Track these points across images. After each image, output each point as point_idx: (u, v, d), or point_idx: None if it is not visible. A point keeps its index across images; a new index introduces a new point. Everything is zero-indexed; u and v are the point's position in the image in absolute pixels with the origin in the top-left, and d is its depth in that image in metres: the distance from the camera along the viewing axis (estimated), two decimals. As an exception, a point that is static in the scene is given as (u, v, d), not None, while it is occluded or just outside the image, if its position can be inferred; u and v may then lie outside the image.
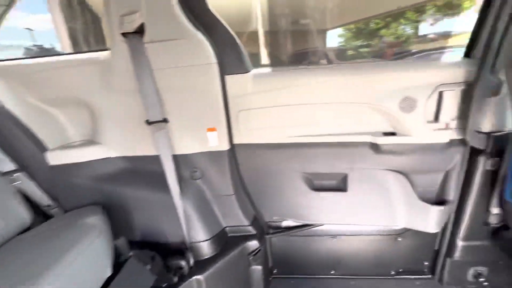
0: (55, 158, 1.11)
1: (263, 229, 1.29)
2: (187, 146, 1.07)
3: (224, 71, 0.99)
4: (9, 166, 1.11)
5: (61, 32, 3.64)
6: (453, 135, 1.03)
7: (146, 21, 0.88)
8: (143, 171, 1.11)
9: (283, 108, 1.04)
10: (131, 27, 0.88)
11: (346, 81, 1.00)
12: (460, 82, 0.98)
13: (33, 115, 1.08)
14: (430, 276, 1.28)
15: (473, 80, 0.96)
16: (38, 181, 1.15)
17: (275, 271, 1.41)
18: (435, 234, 1.20)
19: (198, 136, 1.04)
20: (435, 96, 1.00)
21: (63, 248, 0.78)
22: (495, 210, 1.00)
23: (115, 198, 1.13)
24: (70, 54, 1.09)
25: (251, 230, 1.20)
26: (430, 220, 1.11)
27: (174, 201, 1.04)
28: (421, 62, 1.10)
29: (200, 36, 0.91)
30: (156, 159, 1.00)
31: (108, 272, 0.89)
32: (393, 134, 1.06)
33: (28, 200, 1.13)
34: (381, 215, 1.16)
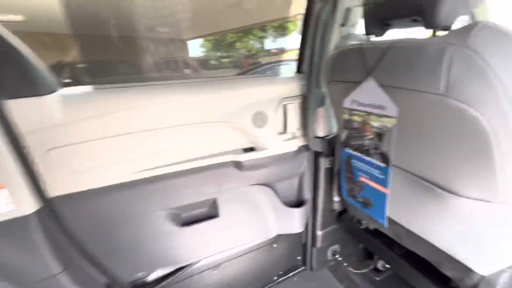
0: None
1: (125, 294, 0.98)
2: None
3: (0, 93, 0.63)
4: None
5: None
6: (300, 142, 1.15)
7: None
8: None
9: (120, 138, 0.80)
10: None
11: (196, 99, 0.89)
12: (297, 96, 1.10)
13: None
14: (303, 268, 1.41)
15: (306, 93, 1.10)
16: None
17: None
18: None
19: None
20: (281, 109, 1.07)
21: None
22: (336, 198, 1.19)
23: None
24: None
25: None
26: (295, 221, 1.20)
27: None
28: (266, 77, 1.16)
29: None
30: None
31: None
32: (252, 149, 1.07)
33: None
34: (256, 229, 1.15)
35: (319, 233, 1.30)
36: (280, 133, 1.11)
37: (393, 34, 0.74)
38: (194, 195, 0.99)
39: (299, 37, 1.13)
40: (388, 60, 0.66)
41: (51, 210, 0.74)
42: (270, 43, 5.57)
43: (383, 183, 0.77)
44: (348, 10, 0.99)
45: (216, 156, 0.98)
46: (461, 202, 0.61)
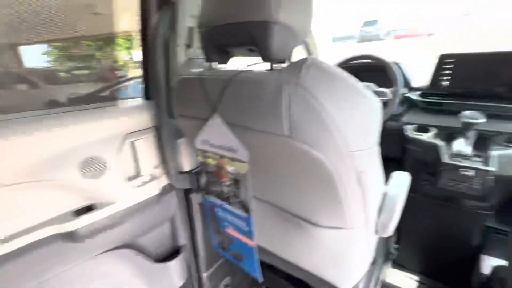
0: None
1: None
2: None
3: None
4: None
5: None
6: (163, 182, 0.92)
7: None
8: None
9: None
10: None
11: None
12: (148, 128, 0.87)
13: None
14: None
15: (158, 124, 0.89)
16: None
17: None
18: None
19: None
20: (128, 148, 0.82)
21: None
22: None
23: None
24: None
25: None
26: (173, 277, 1.00)
27: None
28: (101, 108, 0.86)
29: None
30: None
31: None
32: (90, 208, 0.76)
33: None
34: None
35: (204, 275, 1.12)
36: (131, 178, 0.84)
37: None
38: None
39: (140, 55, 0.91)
40: (230, 95, 0.56)
41: None
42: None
43: (249, 235, 0.66)
44: (191, 30, 0.85)
45: (26, 234, 0.65)
46: (321, 231, 0.67)
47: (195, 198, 1.01)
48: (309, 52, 1.69)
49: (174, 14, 0.80)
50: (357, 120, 0.48)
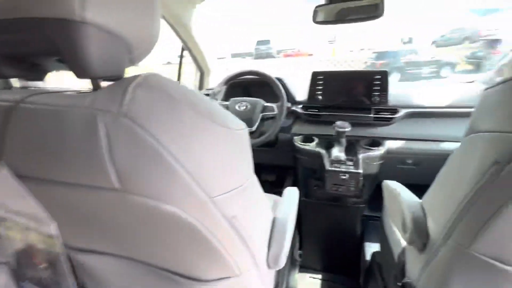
0: None
1: None
2: None
3: None
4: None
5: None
6: None
7: None
8: None
9: None
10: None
11: None
12: None
13: None
14: None
15: None
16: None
17: None
18: None
19: None
20: None
21: None
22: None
23: None
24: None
25: None
26: None
27: None
28: None
29: None
30: None
31: None
32: None
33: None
34: None
35: None
36: None
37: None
38: None
39: None
40: (19, 131, 0.36)
41: None
42: None
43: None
44: None
45: None
46: (207, 285, 0.56)
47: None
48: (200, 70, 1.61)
49: None
50: (216, 158, 0.36)
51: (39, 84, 0.46)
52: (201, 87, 1.67)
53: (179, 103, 0.33)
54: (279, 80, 1.26)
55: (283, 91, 1.16)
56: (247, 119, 1.16)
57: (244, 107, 1.18)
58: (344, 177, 1.04)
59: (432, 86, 1.43)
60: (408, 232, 0.57)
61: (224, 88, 1.44)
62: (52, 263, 0.42)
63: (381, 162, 1.09)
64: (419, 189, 1.33)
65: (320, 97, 1.24)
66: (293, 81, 1.41)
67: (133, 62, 0.39)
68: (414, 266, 0.60)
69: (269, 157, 1.43)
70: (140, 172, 0.31)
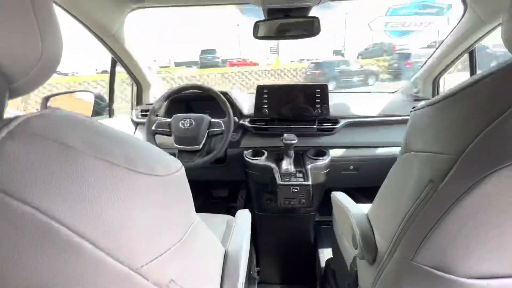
0: None
1: None
2: None
3: None
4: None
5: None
6: None
7: None
8: None
9: None
10: None
11: None
12: None
13: None
14: None
15: None
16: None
17: None
18: None
19: None
20: None
21: None
22: None
23: None
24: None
25: None
26: None
27: None
28: None
29: None
30: None
31: None
32: None
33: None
34: None
35: None
36: None
37: None
38: None
39: None
40: None
41: None
42: None
43: None
44: None
45: None
46: None
47: None
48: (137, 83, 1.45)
49: None
50: (137, 219, 0.26)
51: None
52: (138, 102, 1.52)
53: (78, 154, 0.23)
54: (224, 94, 1.23)
55: (229, 106, 1.12)
56: (193, 137, 1.08)
57: (189, 124, 1.10)
58: (295, 190, 1.05)
59: (363, 96, 1.58)
60: (358, 248, 0.58)
61: (164, 104, 1.33)
62: None
63: (327, 170, 1.13)
64: (361, 191, 1.43)
65: (266, 110, 1.24)
66: (239, 94, 1.39)
67: (18, 93, 0.28)
68: (366, 278, 0.62)
69: (219, 173, 1.37)
70: (28, 261, 0.21)
